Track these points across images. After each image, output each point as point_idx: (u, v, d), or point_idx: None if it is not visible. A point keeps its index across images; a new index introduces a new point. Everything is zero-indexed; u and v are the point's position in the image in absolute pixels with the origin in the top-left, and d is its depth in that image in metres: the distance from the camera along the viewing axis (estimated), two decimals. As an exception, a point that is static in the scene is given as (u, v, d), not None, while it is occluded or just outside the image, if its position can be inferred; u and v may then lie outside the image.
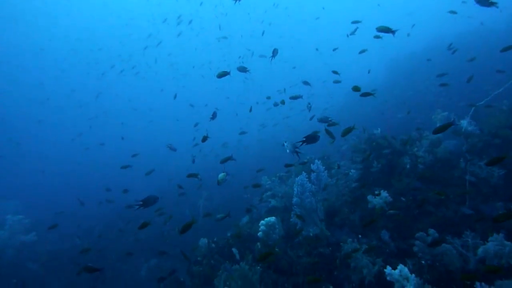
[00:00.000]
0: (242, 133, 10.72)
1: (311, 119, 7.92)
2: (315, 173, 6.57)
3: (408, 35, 11.56)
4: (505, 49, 6.97)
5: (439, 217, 5.96)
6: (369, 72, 12.87)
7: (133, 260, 11.19)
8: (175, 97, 14.76)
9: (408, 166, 6.84)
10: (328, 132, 6.21)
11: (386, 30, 6.38)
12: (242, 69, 7.64)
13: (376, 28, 6.65)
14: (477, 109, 7.47)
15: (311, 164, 6.74)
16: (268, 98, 11.06)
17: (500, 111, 7.44)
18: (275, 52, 7.91)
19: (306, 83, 10.37)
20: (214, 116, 7.86)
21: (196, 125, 12.23)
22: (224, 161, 6.88)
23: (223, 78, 7.22)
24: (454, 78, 10.10)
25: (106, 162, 29.90)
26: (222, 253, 7.16)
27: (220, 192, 15.49)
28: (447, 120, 7.76)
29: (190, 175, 6.83)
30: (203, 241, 7.71)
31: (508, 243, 4.07)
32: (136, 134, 37.63)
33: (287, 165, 7.21)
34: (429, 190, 6.42)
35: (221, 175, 6.37)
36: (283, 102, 8.59)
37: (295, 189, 6.45)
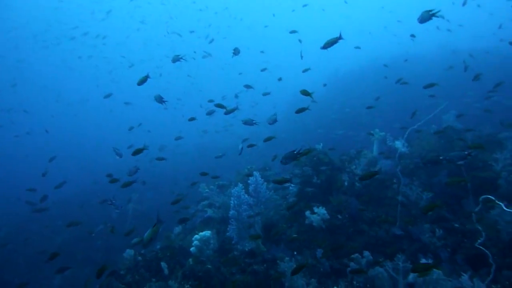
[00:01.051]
0: (178, 138, 10.17)
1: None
2: (253, 185, 6.33)
3: (357, 47, 12.02)
4: (427, 86, 7.36)
5: (371, 237, 6.08)
6: (324, 86, 13.12)
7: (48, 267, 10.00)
8: (108, 96, 13.69)
9: (346, 184, 6.92)
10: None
11: (334, 41, 6.26)
12: (176, 59, 7.20)
13: (324, 46, 6.56)
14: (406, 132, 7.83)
15: (250, 176, 6.49)
16: (211, 101, 10.71)
17: (429, 135, 7.92)
18: (236, 51, 7.69)
19: (248, 86, 10.21)
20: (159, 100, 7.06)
21: (131, 128, 11.38)
22: (136, 153, 6.22)
23: (167, 77, 6.71)
24: (389, 99, 10.67)
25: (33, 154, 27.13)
26: (149, 267, 6.57)
27: (152, 195, 14.71)
28: (384, 139, 8.06)
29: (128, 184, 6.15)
30: (129, 252, 7.05)
31: (436, 270, 4.17)
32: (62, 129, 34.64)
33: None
34: (364, 209, 6.56)
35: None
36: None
37: (232, 201, 6.15)
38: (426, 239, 5.50)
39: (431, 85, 6.60)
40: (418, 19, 5.77)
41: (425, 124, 7.88)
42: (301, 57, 8.62)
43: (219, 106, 7.19)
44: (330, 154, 7.75)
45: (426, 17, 5.62)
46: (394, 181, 6.92)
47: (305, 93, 6.01)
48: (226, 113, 7.30)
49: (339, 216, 6.48)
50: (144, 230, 11.88)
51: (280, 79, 8.74)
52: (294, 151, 4.99)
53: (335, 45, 5.90)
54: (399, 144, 7.94)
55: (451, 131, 7.75)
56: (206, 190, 9.30)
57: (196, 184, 8.86)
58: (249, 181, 6.42)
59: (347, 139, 11.93)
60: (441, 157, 5.93)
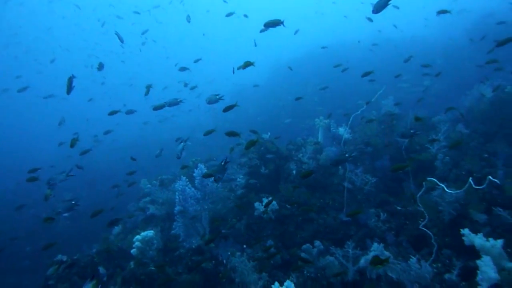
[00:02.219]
0: (108, 132, 9.38)
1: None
2: (198, 178, 5.96)
3: (296, 32, 12.02)
4: (365, 75, 7.50)
5: (320, 224, 6.07)
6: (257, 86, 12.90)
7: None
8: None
9: (294, 172, 6.83)
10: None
11: (275, 23, 6.05)
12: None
13: (265, 24, 6.31)
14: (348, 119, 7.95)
15: (195, 169, 6.11)
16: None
17: (370, 121, 8.13)
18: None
19: (183, 68, 9.75)
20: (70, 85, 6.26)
21: (61, 123, 10.29)
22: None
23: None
24: (331, 86, 10.76)
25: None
26: (84, 274, 5.93)
27: (87, 194, 13.63)
28: (328, 126, 8.11)
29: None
30: (60, 257, 6.33)
31: (387, 253, 4.20)
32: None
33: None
34: (312, 197, 6.54)
35: None
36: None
37: (177, 196, 5.74)
38: (372, 224, 5.59)
39: (368, 73, 6.69)
40: (374, 7, 5.18)
41: (366, 110, 8.10)
42: (255, 44, 8.36)
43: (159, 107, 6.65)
44: (277, 143, 7.61)
45: (383, 3, 5.11)
46: (340, 167, 6.97)
47: (247, 64, 5.77)
48: (169, 105, 6.74)
49: (288, 206, 6.37)
50: (78, 237, 10.96)
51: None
52: (221, 162, 4.82)
53: (277, 34, 5.74)
54: (342, 131, 8.05)
55: (390, 116, 8.02)
56: (148, 185, 8.74)
57: (135, 180, 8.26)
58: (194, 174, 6.03)
59: (293, 127, 11.95)
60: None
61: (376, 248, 4.25)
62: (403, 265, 4.00)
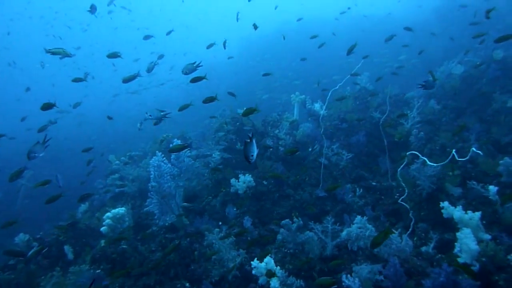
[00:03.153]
0: (77, 104, 8.78)
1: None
2: (174, 154, 5.69)
3: (276, 7, 11.74)
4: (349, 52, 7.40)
5: (296, 200, 6.03)
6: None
7: None
8: None
9: (270, 149, 6.70)
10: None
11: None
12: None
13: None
14: (325, 94, 7.86)
15: (170, 144, 5.81)
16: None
17: (346, 97, 8.09)
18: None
19: (148, 37, 9.31)
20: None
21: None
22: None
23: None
24: (306, 60, 10.62)
25: None
26: (48, 254, 5.57)
27: (49, 171, 12.84)
28: (304, 102, 7.99)
29: None
30: (22, 237, 5.93)
31: (370, 226, 4.20)
32: None
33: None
34: (289, 173, 6.46)
35: None
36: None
37: (152, 172, 5.45)
38: (349, 199, 5.61)
39: (353, 47, 6.57)
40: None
41: (341, 86, 8.04)
42: (237, 19, 7.98)
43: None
44: (252, 118, 7.40)
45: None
46: (316, 143, 6.92)
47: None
48: (124, 81, 6.27)
49: (265, 182, 6.27)
50: (36, 214, 10.37)
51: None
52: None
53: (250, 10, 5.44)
54: (317, 107, 7.97)
55: (365, 92, 8.02)
56: (116, 162, 8.32)
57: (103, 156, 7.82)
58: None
59: (267, 102, 11.74)
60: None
61: (359, 221, 4.24)
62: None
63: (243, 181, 6.05)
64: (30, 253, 3.71)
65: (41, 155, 4.21)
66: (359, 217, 4.29)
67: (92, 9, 7.32)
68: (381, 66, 11.04)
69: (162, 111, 5.42)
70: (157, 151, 5.54)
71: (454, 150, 3.86)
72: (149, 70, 6.08)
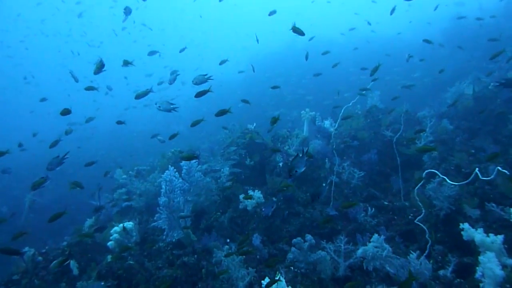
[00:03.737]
0: (90, 119, 8.81)
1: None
2: (186, 168, 5.61)
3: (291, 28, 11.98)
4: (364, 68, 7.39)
5: (306, 218, 5.89)
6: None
7: None
8: None
9: (280, 165, 6.61)
10: None
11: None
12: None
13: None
14: (336, 111, 7.79)
15: (178, 159, 5.74)
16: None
17: (356, 115, 8.04)
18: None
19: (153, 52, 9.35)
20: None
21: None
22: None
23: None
24: (315, 78, 10.63)
25: None
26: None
27: (54, 186, 12.86)
28: (314, 119, 7.95)
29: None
30: (26, 252, 5.82)
31: (387, 246, 4.05)
32: None
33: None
34: (299, 190, 6.35)
35: None
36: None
37: (163, 186, 5.36)
38: (362, 219, 5.47)
39: (376, 69, 6.54)
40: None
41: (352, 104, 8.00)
42: (257, 41, 8.07)
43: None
44: (262, 134, 7.37)
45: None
46: (326, 161, 6.82)
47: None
48: (137, 97, 6.27)
49: (274, 199, 6.16)
50: (40, 228, 10.28)
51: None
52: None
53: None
54: (327, 124, 7.92)
55: (376, 110, 7.96)
56: (123, 176, 8.25)
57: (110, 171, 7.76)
58: (181, 164, 5.66)
59: (281, 117, 11.71)
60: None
61: (375, 240, 4.09)
62: (402, 260, 3.88)
63: (252, 198, 5.95)
64: (53, 263, 3.63)
65: (57, 168, 4.22)
66: (376, 235, 4.15)
67: (127, 10, 7.40)
68: (393, 84, 11.02)
69: (172, 103, 5.44)
70: (170, 166, 5.47)
71: (477, 169, 3.74)
72: (171, 81, 6.10)
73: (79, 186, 4.75)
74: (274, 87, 7.95)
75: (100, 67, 5.53)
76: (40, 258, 5.33)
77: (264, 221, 5.88)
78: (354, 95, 6.47)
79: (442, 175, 5.31)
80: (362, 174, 6.39)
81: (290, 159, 6.81)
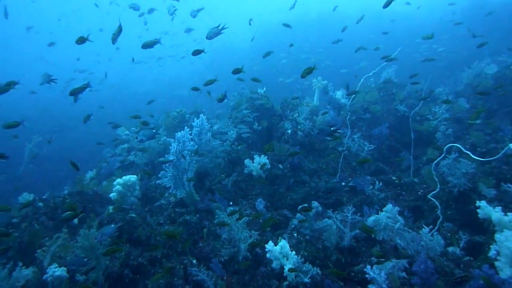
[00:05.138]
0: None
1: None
2: (197, 129, 5.41)
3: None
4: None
5: (312, 188, 5.78)
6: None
7: None
8: None
9: (289, 132, 6.43)
10: None
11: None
12: None
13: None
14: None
15: (195, 119, 5.53)
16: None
17: (369, 88, 7.78)
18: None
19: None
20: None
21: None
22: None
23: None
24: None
25: None
26: (53, 216, 5.38)
27: (55, 139, 12.71)
28: (325, 89, 7.68)
29: None
30: (26, 196, 5.76)
31: (400, 218, 3.93)
32: None
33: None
34: (306, 159, 6.20)
35: None
36: None
37: (174, 146, 5.19)
38: (369, 191, 5.35)
39: (377, 48, 6.24)
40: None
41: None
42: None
43: None
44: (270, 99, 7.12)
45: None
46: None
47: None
48: (144, 47, 5.89)
49: (280, 166, 6.02)
50: (39, 180, 10.24)
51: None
52: None
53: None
54: (339, 95, 7.67)
55: (391, 84, 7.69)
56: (126, 132, 8.08)
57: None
58: (193, 124, 5.46)
59: (286, 86, 11.40)
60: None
61: (389, 210, 3.96)
62: (413, 234, 3.77)
63: (258, 163, 5.81)
64: (65, 215, 3.54)
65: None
66: (390, 205, 4.02)
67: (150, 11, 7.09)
68: (408, 57, 10.65)
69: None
70: (185, 127, 5.28)
71: (510, 145, 3.56)
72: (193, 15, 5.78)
73: (76, 167, 4.62)
74: (291, 45, 7.47)
75: (118, 34, 5.25)
76: (40, 204, 5.25)
77: (268, 187, 5.78)
78: (371, 64, 6.17)
79: (457, 153, 5.14)
80: (372, 147, 6.22)
81: (299, 126, 6.64)
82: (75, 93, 4.80)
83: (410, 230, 3.85)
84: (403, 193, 5.47)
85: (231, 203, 5.64)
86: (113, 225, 3.98)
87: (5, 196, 8.84)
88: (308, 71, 4.33)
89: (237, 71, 4.70)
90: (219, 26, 5.05)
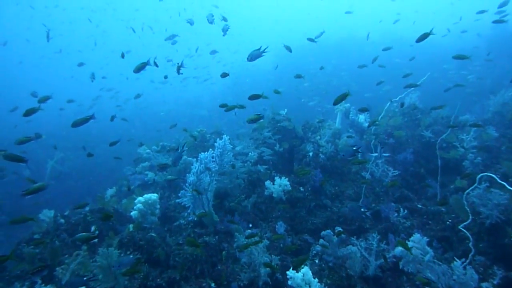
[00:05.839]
0: (138, 96, 8.74)
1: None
2: (219, 150, 5.41)
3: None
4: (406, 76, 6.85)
5: (334, 212, 5.63)
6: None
7: None
8: None
9: (310, 154, 6.35)
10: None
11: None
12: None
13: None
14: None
15: (217, 139, 5.54)
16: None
17: (393, 113, 7.67)
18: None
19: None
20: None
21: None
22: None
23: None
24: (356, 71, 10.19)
25: None
26: (73, 232, 5.40)
27: (76, 156, 13.02)
28: (347, 111, 7.63)
29: None
30: (47, 213, 5.80)
31: (430, 250, 3.75)
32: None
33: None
34: (328, 183, 6.08)
35: None
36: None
37: (196, 166, 5.18)
38: (395, 219, 5.17)
39: (407, 75, 6.17)
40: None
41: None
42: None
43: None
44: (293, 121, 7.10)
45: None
46: (359, 156, 6.51)
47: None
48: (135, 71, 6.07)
49: (302, 189, 5.92)
50: (60, 196, 10.44)
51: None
52: None
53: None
54: (362, 119, 7.59)
55: (416, 110, 7.57)
56: (147, 150, 8.17)
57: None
58: (216, 144, 5.47)
59: (308, 109, 11.37)
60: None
61: (417, 241, 3.79)
62: (444, 267, 3.58)
63: (279, 184, 5.73)
64: (80, 236, 3.58)
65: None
66: (418, 235, 3.85)
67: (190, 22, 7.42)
68: (434, 83, 10.51)
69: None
70: (210, 149, 5.31)
71: None
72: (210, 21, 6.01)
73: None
74: (321, 68, 7.46)
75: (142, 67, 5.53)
76: (62, 220, 5.28)
77: (288, 210, 5.66)
78: (395, 88, 6.09)
79: (486, 182, 4.94)
80: (396, 173, 6.06)
81: (321, 149, 6.55)
82: (77, 124, 4.79)
83: (440, 263, 3.65)
84: (430, 222, 5.25)
85: (250, 225, 5.54)
86: (131, 256, 3.95)
87: (26, 212, 8.99)
88: (342, 98, 4.30)
89: (255, 97, 4.72)
90: (260, 48, 5.13)
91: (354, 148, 5.20)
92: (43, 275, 4.16)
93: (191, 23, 7.50)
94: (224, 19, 7.63)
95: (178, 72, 5.58)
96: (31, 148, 13.70)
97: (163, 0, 19.44)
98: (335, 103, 4.57)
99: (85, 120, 4.73)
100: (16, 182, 11.08)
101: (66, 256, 4.37)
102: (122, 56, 5.48)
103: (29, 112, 4.81)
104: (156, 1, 18.65)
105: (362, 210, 5.54)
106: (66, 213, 5.61)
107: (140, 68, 5.74)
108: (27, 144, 4.97)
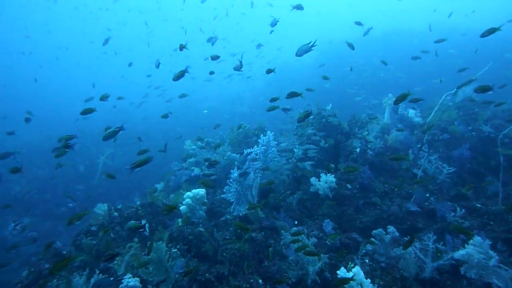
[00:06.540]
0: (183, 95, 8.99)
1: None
2: (264, 147, 5.38)
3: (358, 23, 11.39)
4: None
5: (383, 211, 5.40)
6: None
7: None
8: None
9: (358, 150, 6.14)
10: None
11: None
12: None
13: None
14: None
15: (262, 136, 5.53)
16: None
17: (447, 107, 7.22)
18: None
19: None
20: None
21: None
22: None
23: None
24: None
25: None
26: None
27: (125, 151, 13.63)
28: (396, 107, 7.30)
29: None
30: (102, 206, 6.09)
31: (494, 254, 3.47)
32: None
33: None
34: (377, 180, 5.86)
35: None
36: None
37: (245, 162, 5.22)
38: (452, 218, 4.86)
39: (462, 70, 5.78)
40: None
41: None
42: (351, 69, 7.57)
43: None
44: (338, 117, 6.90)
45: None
46: (410, 152, 6.21)
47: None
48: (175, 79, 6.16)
49: (349, 186, 5.74)
50: (111, 190, 10.96)
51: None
52: None
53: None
54: (412, 113, 7.22)
55: (470, 103, 7.06)
56: (193, 146, 8.33)
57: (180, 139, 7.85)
58: (259, 141, 5.46)
59: (353, 104, 11.03)
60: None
61: (479, 244, 3.54)
62: (511, 272, 3.30)
63: (324, 181, 5.60)
64: (130, 223, 3.83)
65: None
66: (479, 238, 3.58)
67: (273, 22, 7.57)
68: (494, 73, 9.77)
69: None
70: (255, 146, 5.34)
71: None
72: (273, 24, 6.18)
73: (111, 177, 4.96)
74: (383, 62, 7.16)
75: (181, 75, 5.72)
76: (115, 213, 5.52)
77: (335, 207, 5.52)
78: (449, 81, 5.71)
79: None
80: (452, 170, 5.69)
81: (369, 145, 6.32)
82: (108, 137, 4.84)
83: (507, 268, 3.36)
84: (491, 223, 4.87)
85: (296, 222, 5.47)
86: (183, 259, 4.15)
87: (83, 206, 9.60)
88: (402, 98, 4.11)
89: (293, 95, 4.64)
90: (309, 43, 5.05)
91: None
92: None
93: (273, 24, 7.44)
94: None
95: (239, 69, 5.67)
96: (84, 145, 14.63)
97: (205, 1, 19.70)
98: (396, 103, 4.37)
99: (115, 133, 4.84)
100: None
101: (121, 247, 4.58)
102: (181, 49, 5.68)
103: (85, 112, 5.08)
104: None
105: (427, 195, 5.30)
106: (119, 207, 5.86)
107: (179, 76, 5.90)
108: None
